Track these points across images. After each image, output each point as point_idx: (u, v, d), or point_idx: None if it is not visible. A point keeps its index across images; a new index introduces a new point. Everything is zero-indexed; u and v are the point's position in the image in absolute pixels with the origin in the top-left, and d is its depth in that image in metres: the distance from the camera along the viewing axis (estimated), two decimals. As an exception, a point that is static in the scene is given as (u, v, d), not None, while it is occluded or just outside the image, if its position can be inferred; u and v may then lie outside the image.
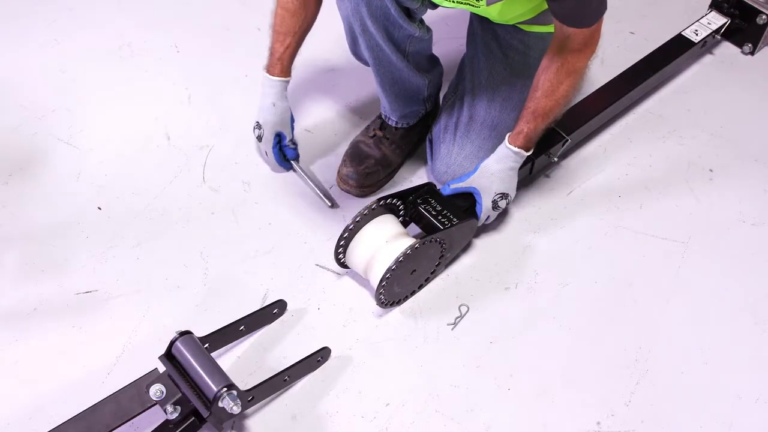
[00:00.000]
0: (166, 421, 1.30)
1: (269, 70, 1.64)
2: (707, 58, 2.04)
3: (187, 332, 1.35)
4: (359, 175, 1.71)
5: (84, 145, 1.88)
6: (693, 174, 1.78)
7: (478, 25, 1.72)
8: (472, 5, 1.49)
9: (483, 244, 1.65)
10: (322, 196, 1.72)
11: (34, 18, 2.21)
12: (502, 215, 1.69)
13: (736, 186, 1.76)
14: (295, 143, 1.74)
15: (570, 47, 1.42)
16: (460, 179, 1.59)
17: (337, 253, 1.53)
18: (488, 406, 1.41)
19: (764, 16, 1.95)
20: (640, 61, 1.89)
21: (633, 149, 1.83)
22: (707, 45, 2.00)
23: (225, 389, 1.26)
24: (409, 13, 1.51)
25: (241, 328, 1.47)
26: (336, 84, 1.66)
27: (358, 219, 1.49)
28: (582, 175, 1.78)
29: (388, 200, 1.54)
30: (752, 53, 2.02)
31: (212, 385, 1.27)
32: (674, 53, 1.91)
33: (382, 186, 1.76)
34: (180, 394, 1.29)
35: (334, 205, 1.72)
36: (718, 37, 2.02)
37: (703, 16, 2.00)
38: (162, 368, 1.34)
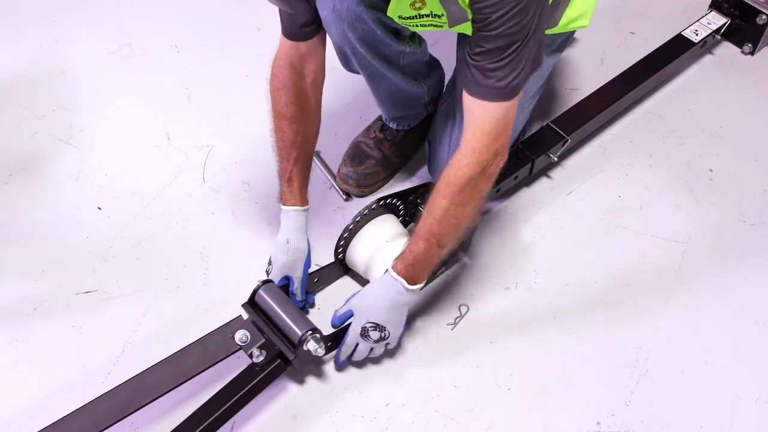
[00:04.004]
0: (252, 365, 1.35)
1: (281, 197, 1.47)
2: (707, 58, 2.04)
3: (269, 281, 1.42)
4: (359, 175, 1.71)
5: (84, 145, 1.88)
6: (693, 174, 1.78)
7: None
8: (437, 25, 1.35)
9: (483, 244, 1.65)
10: (338, 188, 1.74)
11: (34, 18, 2.21)
12: (503, 216, 1.68)
13: (736, 186, 1.75)
14: (303, 295, 1.51)
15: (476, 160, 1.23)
16: (345, 303, 1.42)
17: (337, 253, 1.53)
18: (488, 406, 1.41)
19: (764, 16, 1.95)
20: (640, 61, 1.89)
21: (633, 149, 1.83)
22: (707, 45, 1.99)
23: (310, 332, 1.33)
24: (397, 33, 1.48)
25: (316, 280, 1.55)
26: (337, 83, 1.66)
27: (358, 219, 1.49)
28: (582, 175, 1.78)
29: (388, 200, 1.53)
30: (752, 53, 2.02)
31: (297, 330, 1.34)
32: (674, 53, 1.91)
33: (382, 186, 1.76)
34: (264, 339, 1.35)
35: (348, 197, 1.73)
36: (718, 37, 2.02)
37: (703, 16, 2.00)
38: (245, 316, 1.40)
